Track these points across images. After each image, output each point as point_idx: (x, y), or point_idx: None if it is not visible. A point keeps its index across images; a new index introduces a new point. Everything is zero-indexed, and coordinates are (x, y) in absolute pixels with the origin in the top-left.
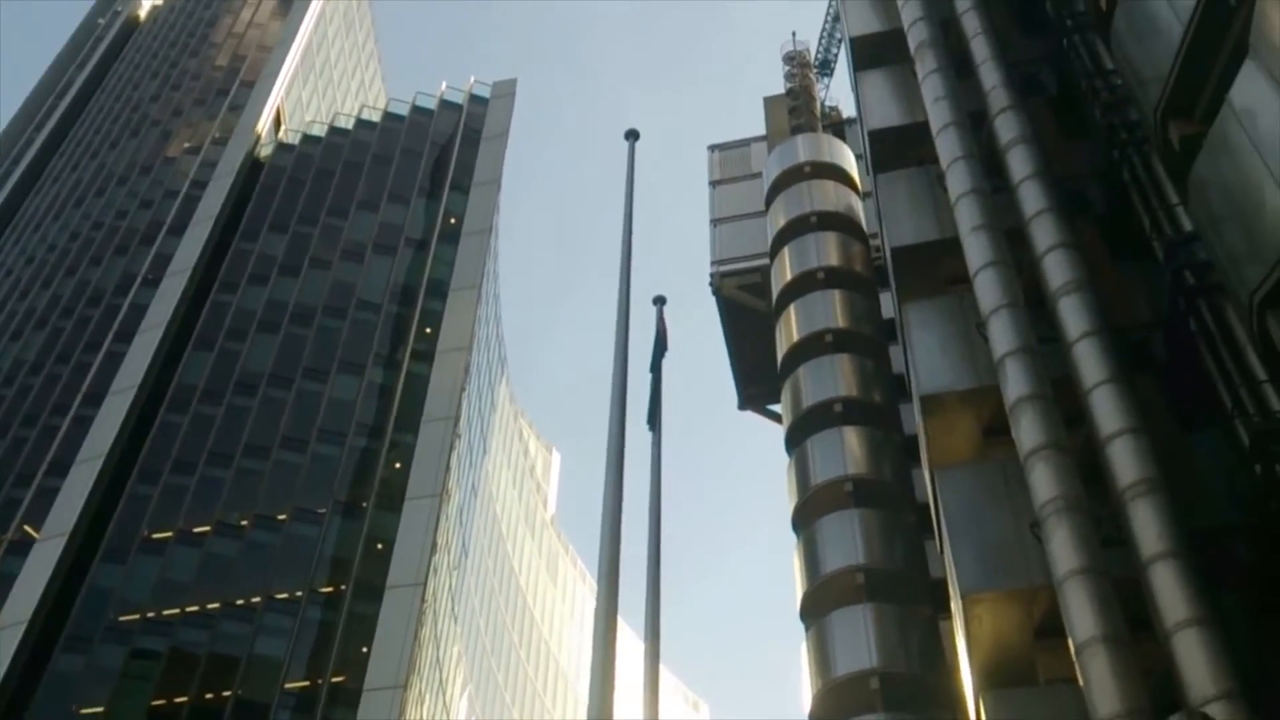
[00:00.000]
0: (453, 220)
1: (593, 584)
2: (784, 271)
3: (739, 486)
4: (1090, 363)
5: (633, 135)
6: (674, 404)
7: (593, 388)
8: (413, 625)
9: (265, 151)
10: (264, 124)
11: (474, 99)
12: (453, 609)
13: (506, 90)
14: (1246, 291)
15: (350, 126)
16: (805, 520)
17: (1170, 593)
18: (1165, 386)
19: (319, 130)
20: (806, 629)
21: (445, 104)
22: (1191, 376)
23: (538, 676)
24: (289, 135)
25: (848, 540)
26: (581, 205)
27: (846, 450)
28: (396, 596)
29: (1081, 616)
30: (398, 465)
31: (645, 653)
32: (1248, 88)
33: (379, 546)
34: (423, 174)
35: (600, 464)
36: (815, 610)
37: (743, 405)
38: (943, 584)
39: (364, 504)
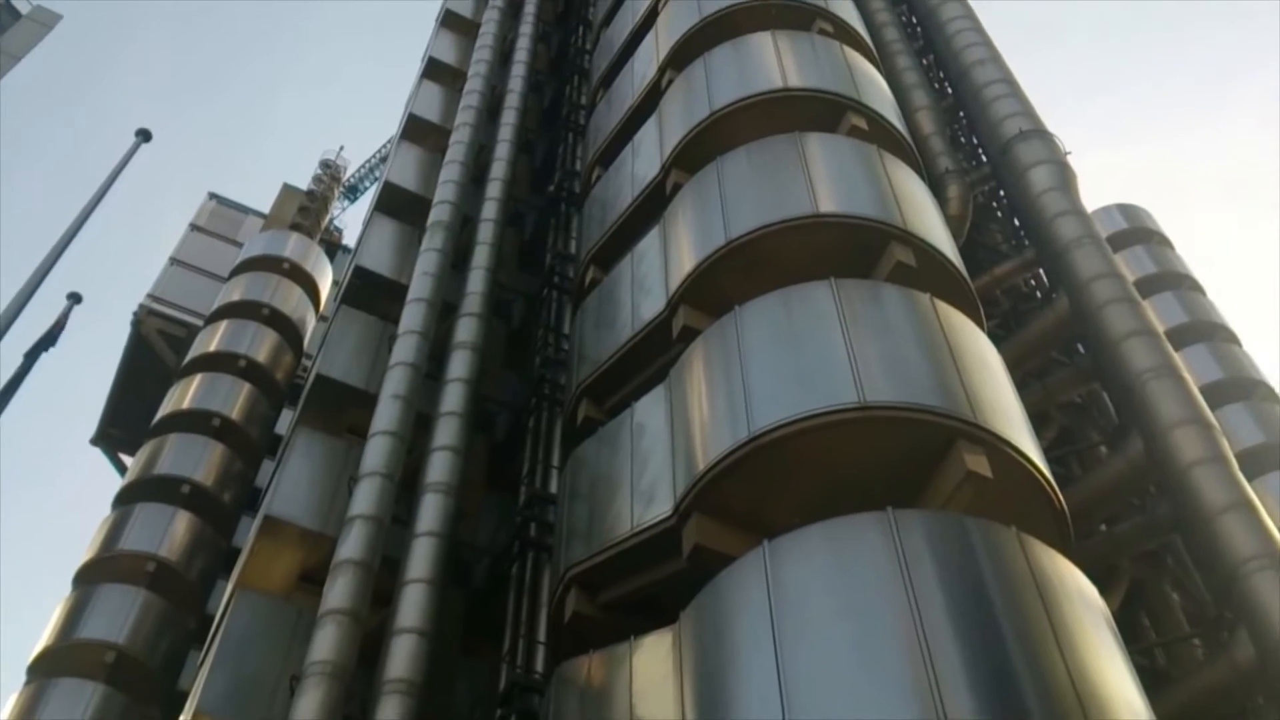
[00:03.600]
0: None
1: None
2: (211, 341)
3: (42, 516)
4: (419, 560)
5: (144, 134)
6: (28, 408)
7: None
8: None
9: None
10: None
11: (9, 7)
12: None
13: (48, 20)
14: (565, 564)
15: None
16: (90, 579)
17: None
18: (470, 609)
19: None
20: (27, 683)
21: None
22: (496, 612)
23: None
24: None
25: (120, 615)
26: (61, 187)
27: (171, 531)
28: None
29: None
30: None
31: None
32: (645, 406)
33: None
34: None
35: None
36: (46, 669)
37: (96, 441)
38: (185, 696)
39: None
